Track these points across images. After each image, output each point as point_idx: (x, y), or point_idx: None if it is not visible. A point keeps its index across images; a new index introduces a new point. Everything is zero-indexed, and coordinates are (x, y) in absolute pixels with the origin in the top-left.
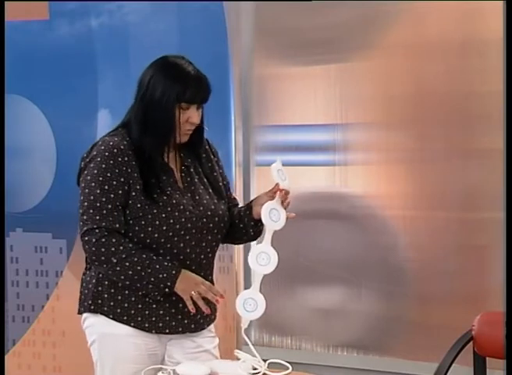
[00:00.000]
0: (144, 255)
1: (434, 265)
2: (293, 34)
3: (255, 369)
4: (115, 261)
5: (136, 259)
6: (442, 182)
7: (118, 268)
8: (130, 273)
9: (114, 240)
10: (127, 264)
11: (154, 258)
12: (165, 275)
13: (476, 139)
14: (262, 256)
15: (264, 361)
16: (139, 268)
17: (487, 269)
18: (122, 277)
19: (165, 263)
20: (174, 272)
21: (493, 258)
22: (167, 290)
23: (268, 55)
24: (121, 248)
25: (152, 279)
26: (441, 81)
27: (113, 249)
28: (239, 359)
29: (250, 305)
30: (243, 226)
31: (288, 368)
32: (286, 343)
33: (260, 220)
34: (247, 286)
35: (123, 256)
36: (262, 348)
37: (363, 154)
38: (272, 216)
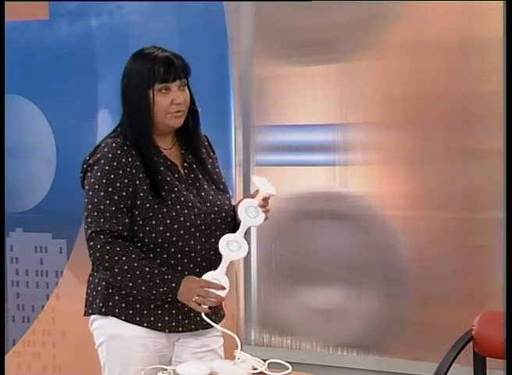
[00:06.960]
0: (147, 269)
1: (434, 265)
2: (293, 34)
3: (255, 369)
4: (116, 270)
5: (138, 273)
6: (442, 182)
7: (119, 277)
8: (131, 284)
9: (118, 248)
10: (129, 276)
11: (156, 271)
12: (165, 288)
13: (476, 139)
14: (233, 244)
15: (264, 361)
16: (140, 281)
17: (487, 269)
18: (123, 286)
19: (166, 277)
20: (174, 284)
21: (493, 258)
22: (169, 300)
23: (268, 55)
24: (123, 258)
25: (154, 292)
26: (441, 81)
27: (116, 258)
28: (239, 359)
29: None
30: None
31: (288, 368)
32: (286, 343)
33: None
34: (247, 286)
35: (125, 267)
36: (262, 348)
37: (363, 154)
38: (249, 213)
